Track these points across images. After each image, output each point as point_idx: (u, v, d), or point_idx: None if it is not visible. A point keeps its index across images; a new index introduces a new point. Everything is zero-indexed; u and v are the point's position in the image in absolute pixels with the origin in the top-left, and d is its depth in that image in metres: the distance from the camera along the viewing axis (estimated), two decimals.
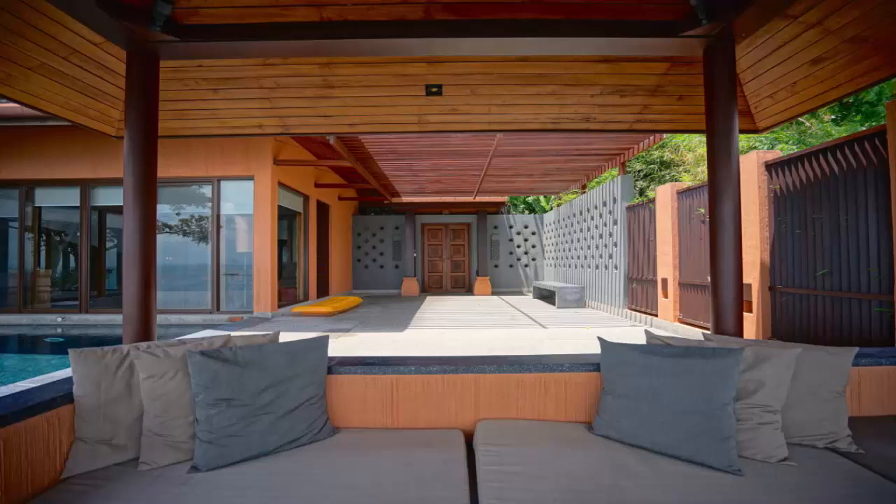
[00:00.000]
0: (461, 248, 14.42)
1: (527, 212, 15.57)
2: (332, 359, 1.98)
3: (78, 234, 8.24)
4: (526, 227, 14.33)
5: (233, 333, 1.94)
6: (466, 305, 10.32)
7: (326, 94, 3.15)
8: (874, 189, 3.50)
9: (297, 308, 8.71)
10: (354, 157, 7.66)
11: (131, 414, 1.58)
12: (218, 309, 8.09)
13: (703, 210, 5.66)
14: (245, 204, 8.16)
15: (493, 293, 13.56)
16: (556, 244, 12.47)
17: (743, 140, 7.55)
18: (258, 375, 1.64)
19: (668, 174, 10.10)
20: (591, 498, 1.33)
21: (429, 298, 12.19)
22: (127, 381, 1.60)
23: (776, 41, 2.59)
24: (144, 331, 2.17)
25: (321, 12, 2.30)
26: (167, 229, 8.29)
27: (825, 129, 7.23)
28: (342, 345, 5.50)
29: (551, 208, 14.05)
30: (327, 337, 1.92)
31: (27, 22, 2.16)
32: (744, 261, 3.69)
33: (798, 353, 1.68)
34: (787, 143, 7.49)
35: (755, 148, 7.48)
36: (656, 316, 6.86)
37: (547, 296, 11.64)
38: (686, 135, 9.14)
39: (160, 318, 7.21)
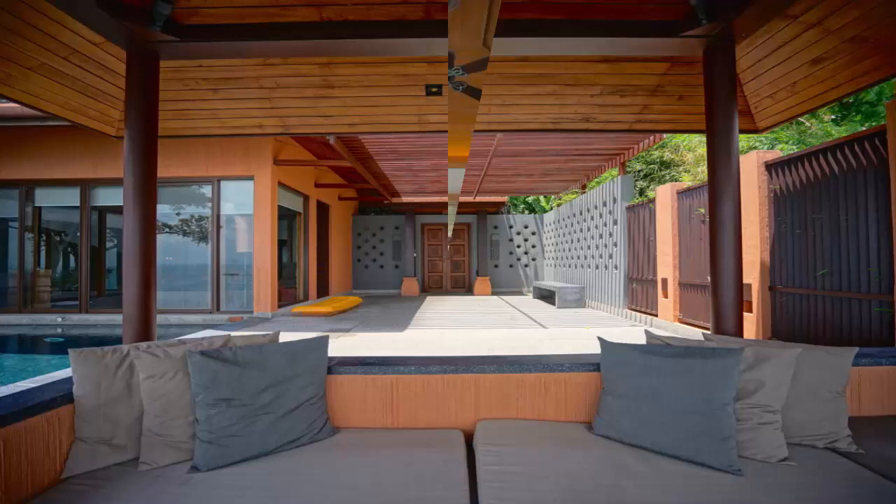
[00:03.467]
0: (461, 248, 14.41)
1: (527, 212, 15.56)
2: (332, 359, 1.98)
3: (78, 234, 8.24)
4: (526, 227, 14.33)
5: (233, 333, 1.94)
6: (466, 305, 10.31)
7: (326, 94, 3.15)
8: (874, 189, 3.50)
9: (297, 308, 8.71)
10: (354, 157, 7.67)
11: (131, 414, 1.58)
12: (218, 309, 8.09)
13: (703, 210, 5.66)
14: (245, 204, 8.16)
15: (493, 293, 13.55)
16: (556, 244, 12.46)
17: (743, 140, 7.55)
18: (258, 375, 1.64)
19: (668, 174, 10.10)
20: (591, 498, 1.33)
21: (429, 298, 12.19)
22: (127, 381, 1.60)
23: (776, 41, 2.59)
24: (144, 331, 2.17)
25: (321, 12, 2.30)
26: (167, 229, 8.28)
27: (825, 129, 7.23)
28: (342, 345, 5.49)
29: (551, 208, 14.05)
30: (327, 337, 1.92)
31: (27, 22, 2.16)
32: (744, 261, 3.69)
33: (798, 353, 1.68)
34: (787, 143, 7.49)
35: (755, 148, 7.48)
36: (656, 316, 6.86)
37: (547, 296, 11.64)
38: (686, 135, 9.15)
39: (160, 318, 7.22)
